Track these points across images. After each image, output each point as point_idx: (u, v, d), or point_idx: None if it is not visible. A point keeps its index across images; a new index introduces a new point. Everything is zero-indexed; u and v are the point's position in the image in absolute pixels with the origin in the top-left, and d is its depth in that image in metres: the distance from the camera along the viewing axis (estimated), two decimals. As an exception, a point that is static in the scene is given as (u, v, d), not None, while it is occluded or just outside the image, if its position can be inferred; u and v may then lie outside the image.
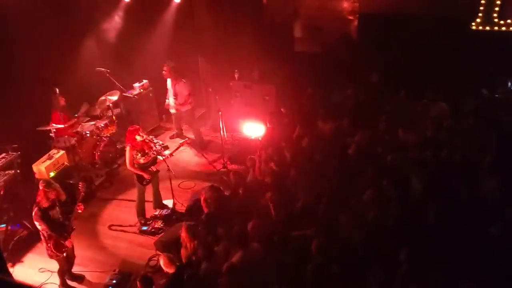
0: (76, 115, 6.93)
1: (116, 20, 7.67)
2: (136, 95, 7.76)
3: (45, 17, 6.38)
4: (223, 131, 6.95)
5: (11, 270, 5.03)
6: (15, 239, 5.49)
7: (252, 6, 7.48)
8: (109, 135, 7.07)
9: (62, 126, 6.29)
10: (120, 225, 5.81)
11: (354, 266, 3.78)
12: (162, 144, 7.67)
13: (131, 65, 7.93)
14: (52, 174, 6.11)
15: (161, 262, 4.09)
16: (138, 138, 5.23)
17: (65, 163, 6.45)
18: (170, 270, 4.04)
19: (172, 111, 7.43)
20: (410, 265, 3.64)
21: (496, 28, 6.47)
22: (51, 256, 4.54)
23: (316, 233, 4.12)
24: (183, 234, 4.37)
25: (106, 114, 7.28)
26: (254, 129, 6.40)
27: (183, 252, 4.36)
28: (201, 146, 7.46)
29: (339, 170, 5.00)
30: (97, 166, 6.89)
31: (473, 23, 6.55)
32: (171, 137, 7.94)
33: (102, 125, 7.02)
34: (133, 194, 5.77)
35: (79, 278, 4.98)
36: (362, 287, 3.66)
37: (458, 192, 4.45)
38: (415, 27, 6.53)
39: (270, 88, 7.22)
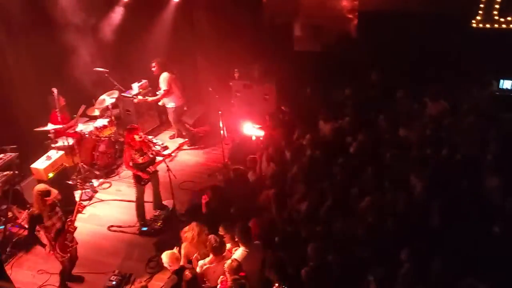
0: (74, 116, 6.90)
1: (114, 20, 7.63)
2: (135, 95, 7.73)
3: (44, 17, 6.35)
4: (224, 131, 6.91)
5: (9, 272, 4.98)
6: (13, 240, 5.45)
7: (252, 5, 7.47)
8: (108, 135, 7.03)
9: (61, 126, 6.25)
10: (120, 226, 5.77)
11: (353, 266, 3.74)
12: (162, 144, 7.64)
13: (130, 65, 7.90)
14: (50, 175, 6.06)
15: (165, 258, 4.05)
16: (136, 138, 5.18)
17: (64, 164, 6.41)
18: (174, 266, 4.00)
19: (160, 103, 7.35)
20: (411, 264, 3.60)
21: (496, 25, 6.44)
22: (56, 257, 4.48)
23: (312, 235, 4.09)
24: (187, 234, 4.34)
25: (105, 115, 7.24)
26: (254, 129, 6.37)
27: (184, 252, 4.32)
28: (193, 141, 7.38)
29: (341, 169, 4.96)
30: (96, 166, 6.84)
31: (474, 21, 6.53)
32: (171, 137, 7.91)
33: (101, 125, 6.99)
34: (133, 194, 5.73)
35: (79, 280, 4.94)
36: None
37: (459, 191, 4.42)
38: (415, 25, 6.51)
39: (270, 87, 7.21)
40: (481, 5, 6.43)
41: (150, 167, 5.43)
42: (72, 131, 6.68)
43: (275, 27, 7.75)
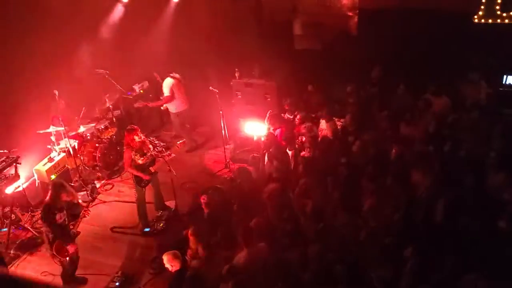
0: (76, 117, 6.91)
1: (114, 21, 7.63)
2: (136, 96, 7.72)
3: (44, 19, 6.35)
4: (225, 131, 6.89)
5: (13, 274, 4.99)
6: (17, 242, 5.46)
7: (251, 4, 7.44)
8: (109, 137, 7.03)
9: (63, 128, 6.25)
10: (122, 227, 5.76)
11: (357, 266, 3.71)
12: (163, 145, 7.63)
13: (130, 66, 7.89)
14: (53, 176, 6.08)
15: (166, 259, 4.04)
16: (136, 138, 5.16)
17: (66, 165, 6.42)
18: (174, 265, 3.99)
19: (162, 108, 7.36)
20: (415, 262, 3.57)
21: (498, 20, 6.39)
22: (53, 260, 4.49)
23: (315, 234, 4.07)
24: (190, 236, 4.33)
25: (106, 116, 7.24)
26: (256, 128, 6.34)
27: (189, 252, 4.32)
28: (191, 148, 7.38)
29: (344, 168, 4.93)
30: (98, 168, 6.85)
31: (476, 16, 6.47)
32: (172, 137, 7.91)
33: (102, 127, 7.00)
34: (135, 196, 5.72)
35: (82, 281, 4.94)
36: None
37: (464, 187, 4.38)
38: (416, 22, 6.46)
39: (271, 86, 7.17)
40: (483, 0, 6.38)
41: (151, 167, 5.42)
42: (74, 133, 6.69)
43: (275, 25, 7.73)
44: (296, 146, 5.96)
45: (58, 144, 6.49)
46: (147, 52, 7.82)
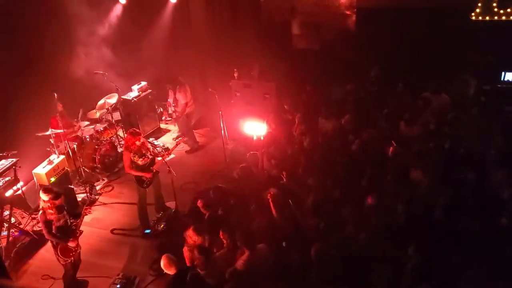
0: (75, 120, 6.89)
1: (112, 23, 7.62)
2: (134, 97, 7.72)
3: (43, 22, 6.34)
4: (224, 131, 6.89)
5: (13, 277, 4.97)
6: (17, 246, 5.44)
7: (250, 4, 7.45)
8: (109, 138, 7.02)
9: (62, 131, 6.24)
10: (123, 229, 5.75)
11: (359, 266, 3.71)
12: (163, 146, 7.63)
13: (129, 68, 7.89)
14: (52, 179, 6.06)
15: (162, 263, 4.03)
16: (137, 143, 5.16)
17: (66, 168, 6.41)
18: (170, 271, 3.98)
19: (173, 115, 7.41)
20: (418, 259, 3.57)
21: (496, 17, 6.40)
22: (58, 261, 4.47)
23: (318, 234, 4.06)
24: (189, 236, 4.31)
25: (105, 118, 7.23)
26: (255, 128, 6.34)
27: (187, 254, 4.29)
28: (192, 149, 7.41)
29: (344, 167, 4.93)
30: (97, 170, 6.83)
31: (473, 14, 6.49)
32: (174, 139, 7.91)
33: (102, 129, 6.98)
34: (135, 197, 5.71)
35: (83, 284, 4.92)
36: (368, 286, 3.59)
37: (464, 185, 4.38)
38: (414, 20, 6.48)
39: (270, 86, 7.17)
40: (480, -3, 6.40)
41: (151, 168, 5.41)
42: (73, 135, 6.68)
43: (274, 26, 7.74)
44: (296, 145, 5.95)
45: (58, 147, 6.47)
46: (145, 53, 7.82)
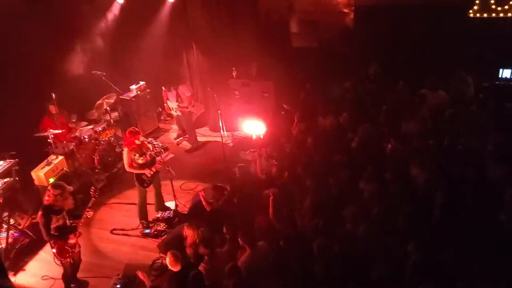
0: (74, 120, 6.87)
1: (110, 22, 7.60)
2: (133, 97, 7.70)
3: (40, 22, 6.32)
4: (223, 130, 6.89)
5: (13, 279, 4.96)
6: (16, 247, 5.43)
7: (248, 3, 7.43)
8: (107, 138, 7.00)
9: (60, 131, 6.22)
10: (123, 229, 5.74)
11: (359, 262, 3.71)
12: (162, 146, 7.62)
13: (127, 67, 7.88)
14: (51, 180, 6.04)
15: (167, 261, 4.03)
16: (137, 142, 5.17)
17: (64, 168, 6.39)
18: (176, 268, 3.98)
19: (174, 113, 7.35)
20: (418, 256, 3.58)
21: (493, 14, 6.41)
22: (55, 261, 4.46)
23: (318, 232, 4.06)
24: (187, 233, 4.32)
25: (104, 118, 7.21)
26: (254, 127, 6.34)
27: (188, 251, 4.30)
28: (192, 148, 7.39)
29: (344, 165, 4.93)
30: (96, 170, 6.82)
31: (471, 11, 6.50)
32: (175, 138, 7.90)
33: (100, 129, 6.97)
34: (134, 197, 5.71)
35: (84, 284, 4.92)
36: (369, 283, 3.59)
37: (463, 181, 4.39)
38: (412, 17, 6.48)
39: (269, 85, 7.17)
40: (478, -5, 6.40)
41: (152, 167, 5.41)
42: (72, 136, 6.66)
43: (272, 24, 7.73)
44: (295, 144, 5.95)
45: (56, 147, 6.45)
46: (144, 52, 7.80)
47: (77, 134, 6.69)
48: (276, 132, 6.12)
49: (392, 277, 3.54)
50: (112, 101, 7.13)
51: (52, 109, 6.30)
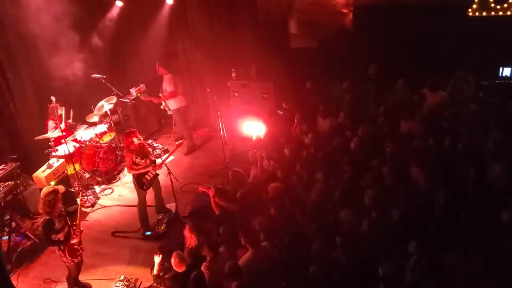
0: (74, 123, 6.89)
1: (109, 25, 7.62)
2: (133, 99, 7.71)
3: (43, 24, 6.34)
4: (223, 132, 6.89)
5: (15, 282, 4.98)
6: (18, 250, 5.45)
7: (246, 3, 7.44)
8: (108, 141, 7.02)
9: (61, 134, 6.24)
10: (124, 232, 5.75)
11: (361, 262, 3.71)
12: (162, 147, 7.63)
13: (126, 70, 7.90)
14: (52, 183, 6.06)
15: (172, 262, 4.04)
16: (135, 140, 5.20)
17: (65, 171, 6.41)
18: (180, 269, 3.99)
19: (168, 111, 7.33)
20: (419, 255, 3.57)
21: (492, 13, 6.40)
22: (65, 262, 4.48)
23: (316, 233, 4.06)
24: (187, 234, 4.32)
25: (104, 121, 7.23)
26: (254, 128, 6.35)
27: (186, 252, 4.31)
28: (189, 150, 7.39)
29: (344, 165, 4.93)
30: (97, 173, 6.83)
31: (469, 9, 6.49)
32: (176, 140, 7.91)
33: (101, 131, 6.98)
34: (135, 199, 5.72)
35: (86, 287, 4.93)
36: (370, 283, 3.59)
37: (464, 180, 4.38)
38: (411, 17, 6.47)
39: (268, 86, 7.17)
40: (477, -7, 6.39)
41: (152, 169, 5.42)
42: (72, 138, 6.68)
43: (270, 25, 7.72)
44: (295, 144, 5.95)
45: (57, 150, 6.47)
46: (143, 55, 7.81)
47: (78, 137, 6.71)
48: (275, 132, 6.12)
49: (393, 277, 3.54)
50: (112, 104, 7.14)
51: (60, 109, 6.33)
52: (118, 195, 6.60)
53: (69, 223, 4.44)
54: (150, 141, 7.74)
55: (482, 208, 3.92)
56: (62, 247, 4.35)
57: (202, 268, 4.03)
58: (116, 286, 4.82)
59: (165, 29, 7.79)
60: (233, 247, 4.20)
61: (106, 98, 7.13)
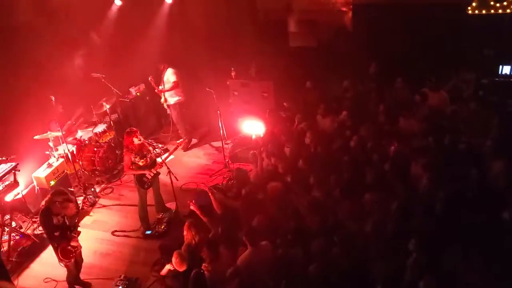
0: (68, 122, 6.87)
1: (109, 24, 7.60)
2: (132, 99, 7.70)
3: (42, 24, 6.33)
4: (223, 131, 6.89)
5: (15, 281, 4.98)
6: (18, 250, 5.44)
7: (246, 2, 7.43)
8: (107, 140, 7.01)
9: (60, 134, 6.23)
10: (124, 231, 5.75)
11: (360, 261, 3.71)
12: (162, 147, 7.63)
13: (126, 69, 7.87)
14: (52, 182, 6.06)
15: (173, 261, 4.04)
16: (135, 140, 5.17)
17: (65, 171, 6.41)
18: (181, 268, 3.99)
19: (166, 107, 7.30)
20: (419, 254, 3.58)
21: (492, 11, 6.40)
22: (60, 263, 4.47)
23: (317, 232, 4.06)
24: (186, 231, 4.33)
25: (103, 120, 7.23)
26: (254, 127, 6.34)
27: (183, 249, 4.31)
28: (185, 145, 7.37)
29: (344, 163, 4.93)
30: (97, 172, 6.83)
31: (469, 7, 6.49)
32: (176, 139, 7.90)
33: (100, 131, 6.98)
34: (135, 199, 5.71)
35: (86, 286, 4.93)
36: (370, 282, 3.59)
37: (465, 179, 4.38)
38: (410, 15, 6.47)
39: (268, 85, 7.17)
40: (476, -9, 6.39)
41: (152, 169, 5.41)
42: (72, 138, 6.67)
43: (270, 24, 7.73)
44: (295, 143, 5.95)
45: (56, 150, 6.47)
46: (142, 54, 7.80)
47: (77, 136, 6.70)
48: (276, 131, 6.12)
49: (393, 275, 3.54)
50: (111, 103, 7.14)
51: (60, 108, 6.32)
52: (118, 194, 6.59)
53: (67, 224, 4.44)
54: (150, 140, 7.73)
55: (483, 206, 3.92)
56: (56, 245, 4.34)
57: (202, 267, 4.03)
58: (116, 285, 4.80)
59: (165, 28, 7.79)
60: (233, 246, 4.19)
61: (105, 97, 7.12)
